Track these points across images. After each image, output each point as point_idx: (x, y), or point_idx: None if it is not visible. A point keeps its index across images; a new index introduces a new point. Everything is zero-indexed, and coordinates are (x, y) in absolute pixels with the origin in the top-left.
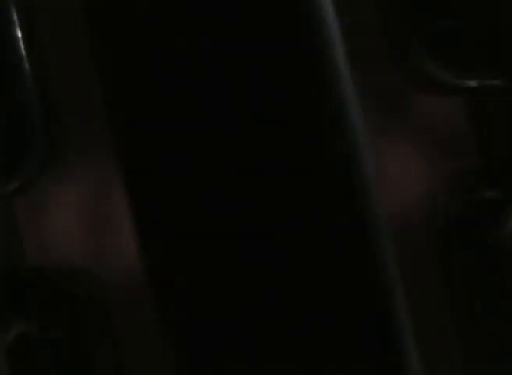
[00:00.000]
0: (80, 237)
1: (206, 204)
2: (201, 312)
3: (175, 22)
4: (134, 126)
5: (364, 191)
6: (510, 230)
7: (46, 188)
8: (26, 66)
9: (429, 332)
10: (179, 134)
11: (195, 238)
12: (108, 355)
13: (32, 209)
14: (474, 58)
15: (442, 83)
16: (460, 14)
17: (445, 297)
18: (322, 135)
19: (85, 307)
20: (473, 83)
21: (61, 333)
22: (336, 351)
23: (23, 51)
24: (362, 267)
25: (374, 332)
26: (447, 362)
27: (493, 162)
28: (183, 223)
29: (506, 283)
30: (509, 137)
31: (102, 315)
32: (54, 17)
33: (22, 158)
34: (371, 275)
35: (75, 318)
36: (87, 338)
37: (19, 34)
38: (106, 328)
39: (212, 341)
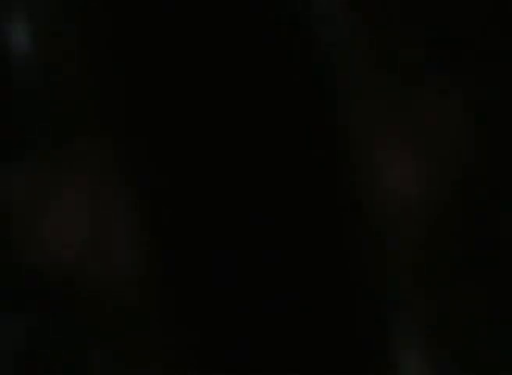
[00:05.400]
0: (80, 238)
1: (205, 203)
2: (201, 312)
3: (174, 22)
4: (134, 126)
5: (362, 191)
6: (510, 229)
7: (46, 188)
8: (27, 66)
9: (429, 332)
10: (177, 135)
11: (194, 238)
12: (108, 354)
13: (32, 209)
14: (472, 56)
15: (442, 82)
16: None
17: (444, 296)
18: (322, 135)
19: (85, 307)
20: (470, 82)
21: (60, 332)
22: (333, 349)
23: (24, 51)
24: (360, 267)
25: (372, 332)
26: (447, 361)
27: (492, 162)
28: (182, 222)
29: (506, 281)
30: (508, 136)
31: (102, 314)
32: (53, 18)
33: (22, 158)
34: (370, 275)
35: (75, 318)
36: (87, 338)
37: (20, 35)
38: (106, 328)
39: (212, 341)
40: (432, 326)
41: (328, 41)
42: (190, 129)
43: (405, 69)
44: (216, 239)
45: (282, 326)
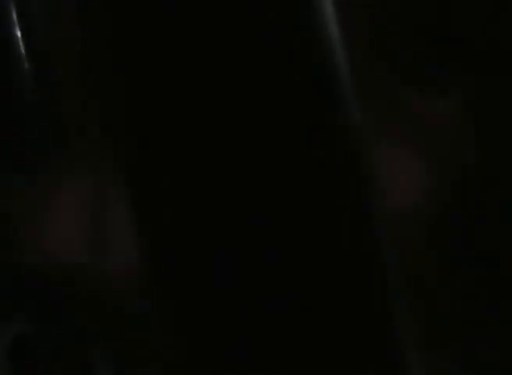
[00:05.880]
0: (79, 238)
1: (205, 203)
2: (201, 312)
3: (175, 22)
4: (134, 127)
5: (363, 191)
6: (510, 229)
7: (46, 188)
8: (27, 66)
9: (429, 332)
10: (177, 136)
11: (194, 238)
12: (108, 354)
13: (32, 209)
14: (471, 56)
15: (442, 82)
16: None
17: (445, 296)
18: (322, 135)
19: (85, 307)
20: (471, 82)
21: (61, 333)
22: (333, 349)
23: (23, 52)
24: (360, 267)
25: (374, 332)
26: (447, 359)
27: (492, 162)
28: (181, 223)
29: (506, 281)
30: (508, 136)
31: (102, 315)
32: (53, 18)
33: (22, 158)
34: (371, 275)
35: (75, 318)
36: (87, 338)
37: (19, 34)
38: (106, 328)
39: (212, 341)
40: (432, 326)
41: (328, 41)
42: (190, 129)
43: (405, 69)
44: (216, 239)
45: (282, 326)
